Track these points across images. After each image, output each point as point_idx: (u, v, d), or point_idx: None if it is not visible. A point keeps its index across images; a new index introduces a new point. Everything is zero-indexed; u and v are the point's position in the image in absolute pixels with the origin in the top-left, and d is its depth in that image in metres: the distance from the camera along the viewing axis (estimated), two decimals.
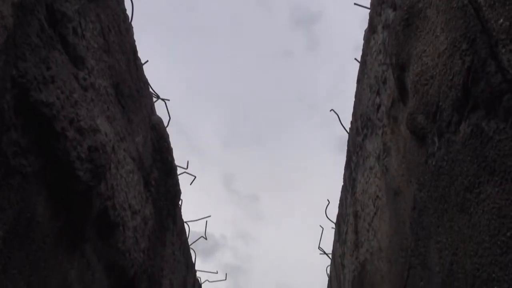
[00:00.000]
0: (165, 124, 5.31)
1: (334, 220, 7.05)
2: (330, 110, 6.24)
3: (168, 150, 5.28)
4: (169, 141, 5.34)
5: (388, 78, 3.43)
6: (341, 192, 6.11)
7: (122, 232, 3.60)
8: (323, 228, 8.41)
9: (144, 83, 4.62)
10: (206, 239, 8.52)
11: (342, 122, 6.05)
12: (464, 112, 2.12)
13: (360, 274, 4.70)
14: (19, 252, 2.28)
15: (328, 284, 8.38)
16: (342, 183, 5.96)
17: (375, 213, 4.02)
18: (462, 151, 2.14)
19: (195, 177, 7.25)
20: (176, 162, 5.76)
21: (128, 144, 3.85)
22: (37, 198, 2.46)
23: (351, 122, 5.20)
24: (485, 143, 1.92)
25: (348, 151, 5.45)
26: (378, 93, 3.78)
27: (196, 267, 7.87)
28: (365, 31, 4.33)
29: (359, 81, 4.66)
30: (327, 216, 7.66)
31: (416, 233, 2.88)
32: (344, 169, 5.76)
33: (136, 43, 4.40)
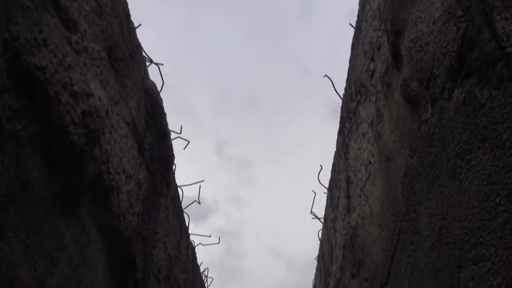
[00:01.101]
0: (159, 89, 5.29)
1: (327, 186, 7.12)
2: (324, 76, 6.24)
3: (162, 115, 5.27)
4: (163, 105, 5.33)
5: (382, 44, 3.42)
6: (334, 157, 6.15)
7: (117, 196, 3.63)
8: (315, 193, 8.50)
9: (137, 47, 4.58)
10: (199, 203, 8.61)
11: (336, 88, 6.04)
12: (457, 79, 2.12)
13: (352, 238, 4.78)
14: (15, 215, 2.30)
15: (319, 248, 8.51)
16: (335, 149, 5.99)
17: (367, 179, 4.06)
18: (455, 118, 2.15)
19: (189, 142, 7.28)
20: (169, 127, 5.76)
21: (122, 109, 3.84)
22: (32, 162, 2.47)
23: (345, 88, 5.19)
24: (477, 110, 1.93)
25: (342, 117, 5.46)
26: (372, 59, 3.78)
27: (190, 231, 7.96)
28: None
29: (353, 46, 4.64)
30: (319, 182, 7.73)
31: (407, 198, 2.93)
32: (337, 135, 5.79)
33: (129, 6, 4.35)
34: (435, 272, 2.43)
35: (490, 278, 1.82)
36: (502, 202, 1.73)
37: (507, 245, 1.69)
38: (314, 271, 9.90)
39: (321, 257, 8.31)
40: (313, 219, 8.54)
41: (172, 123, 6.26)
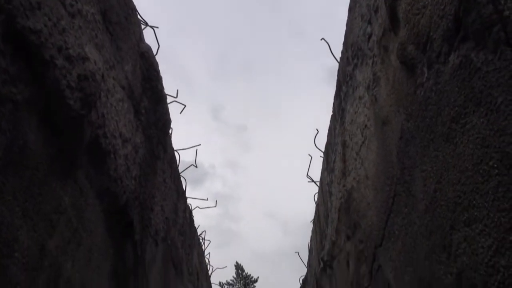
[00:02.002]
0: (154, 52, 5.25)
1: (323, 149, 7.15)
2: (321, 39, 6.18)
3: (158, 79, 5.25)
4: (159, 69, 5.30)
5: (380, 7, 3.39)
6: (330, 121, 6.16)
7: (114, 160, 3.65)
8: (311, 157, 8.54)
9: (132, 9, 4.52)
10: (196, 167, 8.65)
11: (333, 52, 6.01)
12: (454, 43, 2.12)
13: (347, 201, 4.83)
14: (13, 178, 2.32)
15: (315, 211, 8.61)
16: (331, 113, 5.99)
17: (363, 142, 4.08)
18: (450, 82, 2.16)
19: (185, 106, 7.26)
20: (165, 91, 5.74)
21: (117, 73, 3.82)
22: (29, 126, 2.47)
23: (342, 52, 5.16)
24: (473, 74, 1.94)
25: (338, 81, 5.45)
26: (369, 22, 3.75)
27: (187, 195, 8.03)
28: None
29: (350, 9, 4.59)
30: (315, 145, 7.76)
31: (402, 162, 2.95)
32: (334, 99, 5.78)
33: None
34: (428, 234, 2.48)
35: (482, 239, 1.86)
36: (495, 165, 1.76)
37: (499, 208, 1.72)
38: (310, 234, 10.04)
39: (316, 220, 8.41)
40: (309, 183, 8.61)
41: (168, 87, 6.23)
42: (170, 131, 6.20)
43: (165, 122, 5.71)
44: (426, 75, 2.49)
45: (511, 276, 1.64)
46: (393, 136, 3.14)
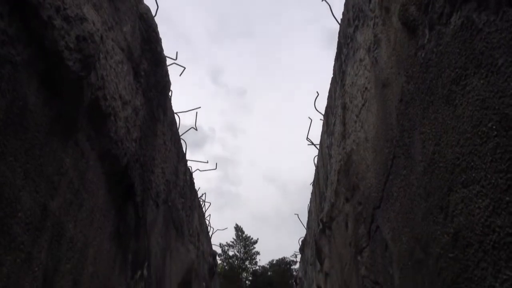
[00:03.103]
0: (153, 13, 5.19)
1: (323, 112, 7.14)
2: (322, 0, 6.10)
3: (157, 40, 5.20)
4: (158, 31, 5.25)
5: None
6: (330, 84, 6.13)
7: (114, 122, 3.65)
8: (311, 120, 8.55)
9: None
10: (196, 130, 8.67)
11: (334, 13, 5.94)
12: (456, 4, 2.10)
13: (346, 164, 4.86)
14: (14, 140, 2.33)
15: (315, 173, 8.66)
16: (332, 75, 5.96)
17: (363, 105, 4.08)
18: (452, 43, 2.14)
19: (185, 68, 7.22)
20: (165, 53, 5.70)
21: (116, 34, 3.79)
22: (29, 88, 2.47)
23: (343, 13, 5.10)
24: (474, 35, 1.92)
25: (339, 43, 5.40)
26: None
27: (187, 158, 8.06)
28: None
29: None
30: (315, 108, 7.75)
31: (401, 124, 2.96)
32: (334, 61, 5.74)
33: None
34: (426, 195, 2.51)
35: (479, 200, 1.89)
36: (494, 127, 1.76)
37: (497, 169, 1.74)
38: (309, 197, 10.14)
39: (316, 183, 8.47)
40: (309, 146, 8.64)
41: (167, 49, 6.18)
42: (170, 93, 6.19)
43: (165, 85, 5.69)
44: (427, 36, 2.47)
45: (506, 235, 1.67)
46: (393, 99, 3.14)
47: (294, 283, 17.10)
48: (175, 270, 6.55)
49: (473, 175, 1.94)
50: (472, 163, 1.95)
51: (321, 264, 7.27)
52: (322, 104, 7.34)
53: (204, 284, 10.19)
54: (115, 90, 3.66)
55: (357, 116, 4.33)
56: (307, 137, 8.55)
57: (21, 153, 2.41)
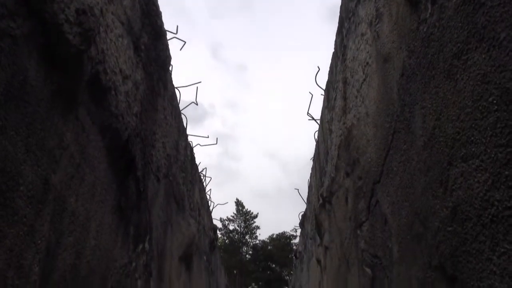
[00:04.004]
0: None
1: (324, 87, 7.12)
2: None
3: (157, 14, 5.16)
4: (158, 4, 5.20)
5: None
6: (332, 59, 6.10)
7: (114, 96, 3.65)
8: (312, 95, 8.53)
9: None
10: (197, 104, 8.66)
11: None
12: None
13: (347, 139, 4.87)
14: (15, 114, 2.34)
15: (315, 148, 8.68)
16: (333, 50, 5.93)
17: (364, 80, 4.07)
18: (454, 17, 2.13)
19: (185, 42, 7.18)
20: (165, 27, 5.65)
21: (116, 7, 3.76)
22: (29, 62, 2.46)
23: None
24: (477, 9, 1.91)
25: (340, 17, 5.36)
26: None
27: (187, 133, 8.07)
28: None
29: None
30: (316, 83, 7.72)
31: (402, 99, 2.96)
32: (336, 36, 5.71)
33: None
34: (426, 169, 2.52)
35: (478, 174, 1.90)
36: (495, 101, 1.76)
37: (497, 143, 1.74)
38: (309, 172, 10.17)
39: (316, 158, 8.50)
40: (309, 121, 8.64)
41: (167, 23, 6.13)
42: (170, 68, 6.16)
43: (165, 59, 5.67)
44: (429, 10, 2.45)
45: (505, 209, 1.69)
46: (395, 73, 3.13)
47: (294, 257, 17.28)
48: (176, 243, 6.62)
49: (473, 149, 1.94)
50: (472, 138, 1.95)
51: (321, 238, 7.34)
52: (323, 79, 7.32)
53: (205, 257, 10.30)
54: (116, 64, 3.65)
55: (358, 91, 4.33)
56: (307, 112, 8.54)
57: (22, 127, 2.42)
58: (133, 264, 4.42)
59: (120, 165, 3.97)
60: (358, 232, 4.39)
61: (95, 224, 3.43)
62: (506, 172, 1.68)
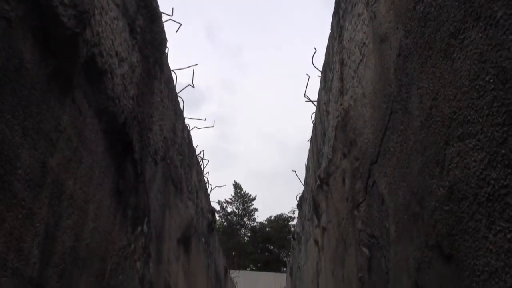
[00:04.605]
0: None
1: (321, 69, 7.10)
2: None
3: None
4: None
5: None
6: (328, 40, 6.08)
7: (111, 79, 3.64)
8: (309, 77, 8.51)
9: None
10: (193, 87, 8.63)
11: None
12: None
13: (344, 120, 4.87)
14: (11, 97, 2.33)
15: (312, 130, 8.68)
16: (330, 31, 5.90)
17: (361, 60, 4.05)
18: None
19: (181, 24, 7.14)
20: (160, 9, 5.61)
21: None
22: (24, 45, 2.45)
23: None
24: None
25: None
26: None
27: (184, 116, 8.05)
28: None
29: None
30: (313, 64, 7.71)
31: (399, 79, 2.95)
32: (332, 17, 5.67)
33: None
34: (423, 149, 2.53)
35: (475, 154, 1.91)
36: (491, 80, 1.76)
37: (493, 122, 1.75)
38: (307, 154, 10.19)
39: (313, 139, 8.50)
40: (306, 102, 8.62)
41: (162, 5, 6.08)
42: (166, 50, 6.13)
43: (161, 41, 5.64)
44: None
45: (501, 188, 1.70)
46: (391, 53, 3.12)
47: (291, 238, 17.39)
48: (174, 226, 6.65)
49: (470, 129, 1.95)
50: (468, 117, 1.96)
51: (318, 219, 7.38)
52: (320, 60, 7.30)
53: (203, 239, 10.36)
54: (111, 46, 3.63)
55: (354, 72, 4.32)
56: (304, 94, 8.53)
57: (19, 111, 2.41)
58: (132, 246, 4.44)
59: (118, 148, 3.97)
60: (355, 212, 4.41)
61: (93, 207, 3.44)
62: (503, 151, 1.68)
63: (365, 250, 4.04)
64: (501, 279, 1.70)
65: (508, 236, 1.65)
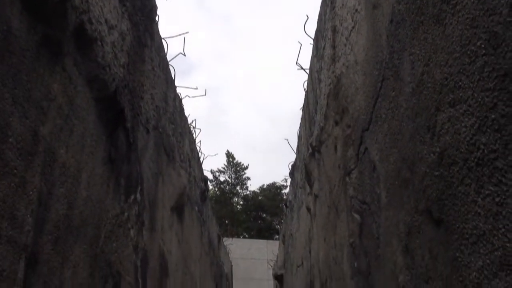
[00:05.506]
0: None
1: (313, 36, 7.04)
2: None
3: None
4: None
5: None
6: (320, 7, 6.02)
7: (101, 47, 3.60)
8: (301, 45, 8.45)
9: None
10: (184, 55, 8.55)
11: None
12: None
13: (336, 87, 4.86)
14: (0, 65, 2.31)
15: (304, 98, 8.66)
16: None
17: (353, 27, 4.03)
18: None
19: None
20: None
21: None
22: (11, 11, 2.41)
23: None
24: None
25: None
26: None
27: (176, 85, 7.99)
28: None
29: None
30: (305, 32, 7.63)
31: (391, 45, 2.94)
32: None
33: None
34: (414, 115, 2.54)
35: (465, 119, 1.92)
36: (483, 45, 1.76)
37: (484, 87, 1.76)
38: (299, 123, 10.19)
39: (305, 107, 8.50)
40: (298, 70, 8.59)
41: None
42: (156, 18, 6.05)
43: (151, 8, 5.56)
44: None
45: (490, 152, 1.72)
46: (384, 20, 3.10)
47: (284, 206, 17.53)
48: (167, 194, 6.68)
49: (461, 94, 1.96)
50: (460, 83, 1.96)
51: (311, 186, 7.44)
52: (312, 28, 7.23)
53: (196, 208, 10.43)
54: (100, 13, 3.58)
55: (347, 39, 4.30)
56: (297, 62, 8.48)
57: (8, 79, 2.39)
58: (125, 214, 4.47)
59: (109, 116, 3.96)
60: (347, 179, 4.45)
61: (86, 175, 3.45)
62: (493, 116, 1.70)
63: (357, 216, 4.09)
64: (489, 241, 1.74)
65: (497, 199, 1.68)
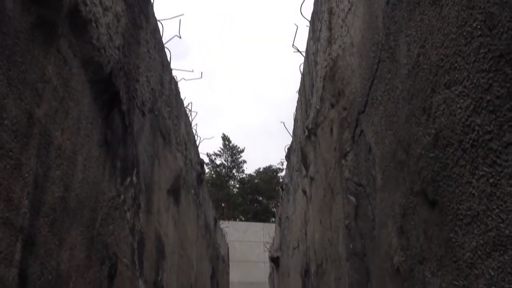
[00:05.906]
0: None
1: (309, 18, 7.00)
2: None
3: None
4: None
5: None
6: None
7: (96, 29, 3.58)
8: (297, 27, 8.41)
9: None
10: (180, 37, 8.51)
11: None
12: None
13: (332, 70, 4.85)
14: None
15: (301, 81, 8.64)
16: None
17: (349, 9, 4.01)
18: None
19: None
20: None
21: None
22: None
23: None
24: None
25: None
26: None
27: (172, 67, 7.95)
28: None
29: None
30: (301, 14, 7.59)
31: (387, 27, 2.93)
32: None
33: None
34: (410, 97, 2.54)
35: (461, 100, 1.92)
36: (479, 26, 1.76)
37: (479, 69, 1.76)
38: (295, 106, 10.18)
39: (302, 90, 8.48)
40: (294, 53, 8.54)
41: None
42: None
43: None
44: None
45: (485, 133, 1.72)
46: (380, 1, 3.09)
47: (280, 189, 17.59)
48: (163, 177, 6.69)
49: (456, 76, 1.96)
50: (455, 64, 1.96)
51: (306, 169, 7.46)
52: (309, 9, 7.18)
53: (192, 191, 10.45)
54: None
55: (343, 21, 4.28)
56: (293, 44, 8.45)
57: (3, 60, 2.38)
58: (122, 197, 4.48)
59: (105, 99, 3.94)
60: (343, 162, 4.46)
61: (82, 158, 3.45)
62: (488, 97, 1.70)
63: (352, 198, 4.12)
64: (483, 222, 1.75)
65: (491, 180, 1.69)
